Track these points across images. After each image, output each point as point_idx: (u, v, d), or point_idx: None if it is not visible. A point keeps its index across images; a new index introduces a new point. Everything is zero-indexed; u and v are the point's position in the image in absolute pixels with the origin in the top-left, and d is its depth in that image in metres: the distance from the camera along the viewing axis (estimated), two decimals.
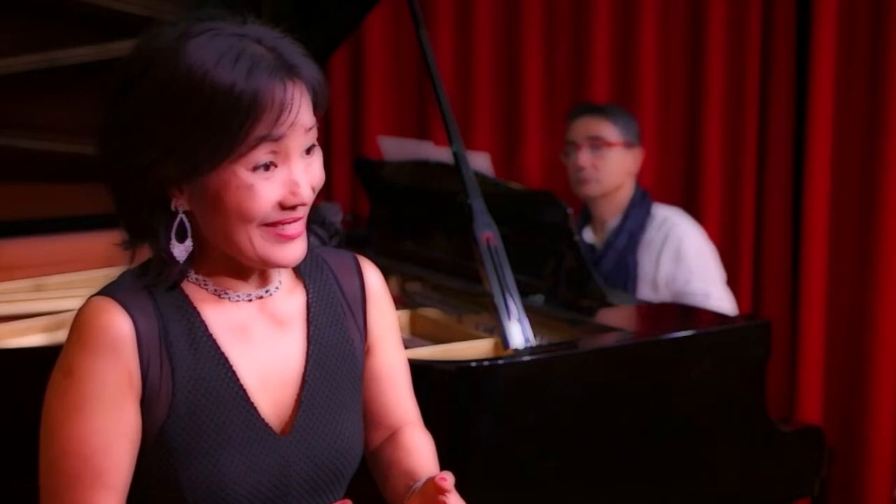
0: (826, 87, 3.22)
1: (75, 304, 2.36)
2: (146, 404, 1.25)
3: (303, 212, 1.26)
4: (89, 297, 1.28)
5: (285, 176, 1.23)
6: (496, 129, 3.58)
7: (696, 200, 3.44)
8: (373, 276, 1.44)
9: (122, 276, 1.31)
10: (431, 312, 2.34)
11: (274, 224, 1.24)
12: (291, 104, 1.21)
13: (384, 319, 1.44)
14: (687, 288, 2.89)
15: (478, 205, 2.10)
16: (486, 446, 1.87)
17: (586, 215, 3.08)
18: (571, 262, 2.31)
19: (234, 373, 1.29)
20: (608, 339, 2.13)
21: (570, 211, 2.29)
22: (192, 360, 1.27)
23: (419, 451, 1.42)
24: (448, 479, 1.22)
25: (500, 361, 1.92)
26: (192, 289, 1.30)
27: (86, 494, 1.24)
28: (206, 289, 1.31)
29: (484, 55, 3.53)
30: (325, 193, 3.51)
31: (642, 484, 2.06)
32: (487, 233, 2.06)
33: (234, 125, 1.18)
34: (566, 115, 3.13)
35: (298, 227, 1.26)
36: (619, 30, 3.49)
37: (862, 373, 3.26)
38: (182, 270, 1.28)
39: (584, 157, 2.97)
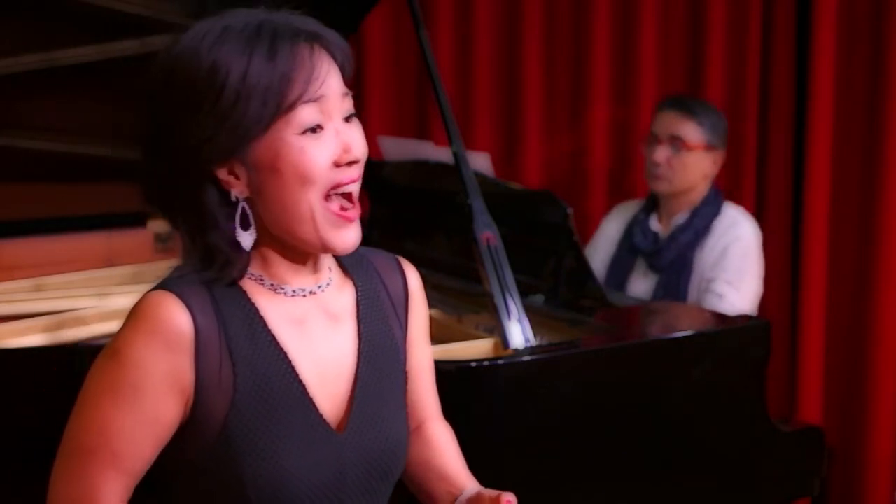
0: (826, 87, 3.23)
1: (75, 304, 2.37)
2: (203, 402, 1.26)
3: (358, 172, 1.29)
4: (147, 291, 1.29)
5: (334, 135, 1.27)
6: (496, 129, 3.58)
7: None
8: (414, 277, 1.49)
9: (177, 271, 1.31)
10: (431, 312, 2.33)
11: (336, 188, 1.26)
12: (321, 63, 1.26)
13: (420, 320, 1.49)
14: (709, 285, 2.88)
15: (478, 205, 2.10)
16: (486, 446, 1.87)
17: (653, 202, 3.04)
18: (571, 262, 2.31)
19: (293, 368, 1.30)
20: (608, 339, 2.13)
21: (570, 211, 2.29)
22: (252, 355, 1.28)
23: (447, 449, 1.49)
24: (513, 502, 1.28)
25: (500, 361, 1.92)
26: (248, 284, 1.31)
27: (95, 471, 1.25)
28: (263, 284, 1.32)
29: (484, 55, 3.53)
30: None
31: (642, 484, 2.06)
32: (487, 233, 2.06)
33: (272, 89, 1.22)
34: (656, 104, 3.09)
35: (355, 211, 1.29)
36: (619, 30, 3.50)
37: (862, 373, 3.26)
38: (246, 262, 1.30)
39: (661, 154, 2.93)
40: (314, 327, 1.34)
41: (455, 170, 2.16)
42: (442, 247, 2.71)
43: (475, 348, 2.07)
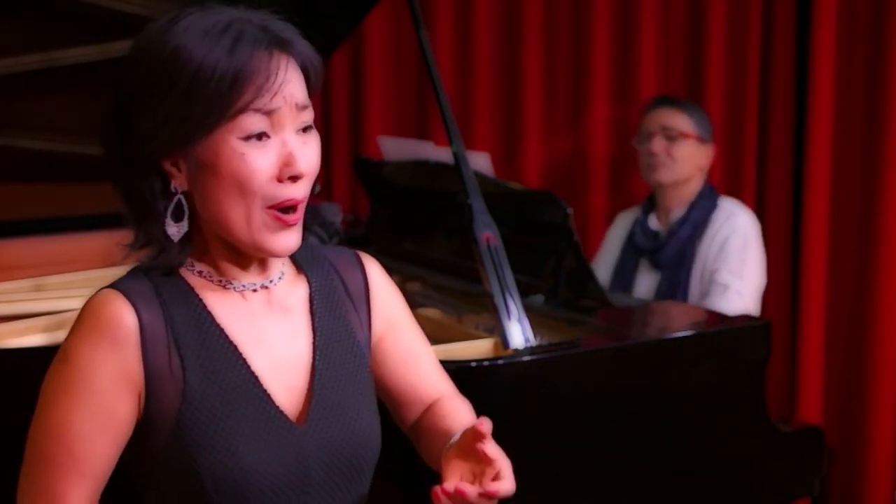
0: (826, 87, 3.23)
1: (75, 304, 2.37)
2: (155, 397, 1.26)
3: (303, 190, 1.27)
4: (97, 290, 1.30)
5: (279, 147, 1.25)
6: (496, 129, 3.58)
7: None
8: (374, 269, 1.47)
9: (129, 272, 1.32)
10: (431, 312, 2.34)
11: (276, 206, 1.25)
12: (277, 73, 1.23)
13: (392, 306, 1.47)
14: (713, 277, 2.94)
15: (478, 205, 2.09)
16: None
17: (651, 203, 3.14)
18: (571, 262, 2.31)
19: (244, 361, 1.30)
20: (608, 339, 2.13)
21: (570, 211, 2.29)
22: (201, 349, 1.28)
23: (455, 413, 1.44)
24: (486, 424, 1.21)
25: (500, 361, 1.92)
26: (196, 281, 1.32)
27: (58, 478, 1.25)
28: (211, 280, 1.32)
29: (484, 55, 3.53)
30: (325, 193, 3.51)
31: (642, 484, 2.06)
32: (487, 233, 2.06)
33: (221, 91, 1.21)
34: (643, 106, 3.19)
35: (296, 216, 1.28)
36: (619, 30, 3.50)
37: (862, 373, 3.26)
38: (181, 253, 1.30)
39: (658, 145, 3.04)
40: (265, 321, 1.34)
41: (455, 170, 2.16)
42: (442, 247, 2.71)
43: (475, 348, 2.07)
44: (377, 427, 1.40)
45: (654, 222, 3.11)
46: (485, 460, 1.22)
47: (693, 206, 3.04)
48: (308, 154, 1.27)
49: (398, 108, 3.62)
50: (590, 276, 2.32)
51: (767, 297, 3.27)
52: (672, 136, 3.03)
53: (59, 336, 2.23)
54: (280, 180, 1.25)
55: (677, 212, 3.06)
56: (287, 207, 1.26)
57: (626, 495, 2.04)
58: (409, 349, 1.47)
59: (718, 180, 3.43)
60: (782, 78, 3.38)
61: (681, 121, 3.05)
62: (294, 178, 1.25)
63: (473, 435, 1.22)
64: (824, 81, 3.22)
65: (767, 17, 3.40)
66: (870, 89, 3.21)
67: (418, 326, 1.51)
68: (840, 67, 3.24)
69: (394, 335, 1.46)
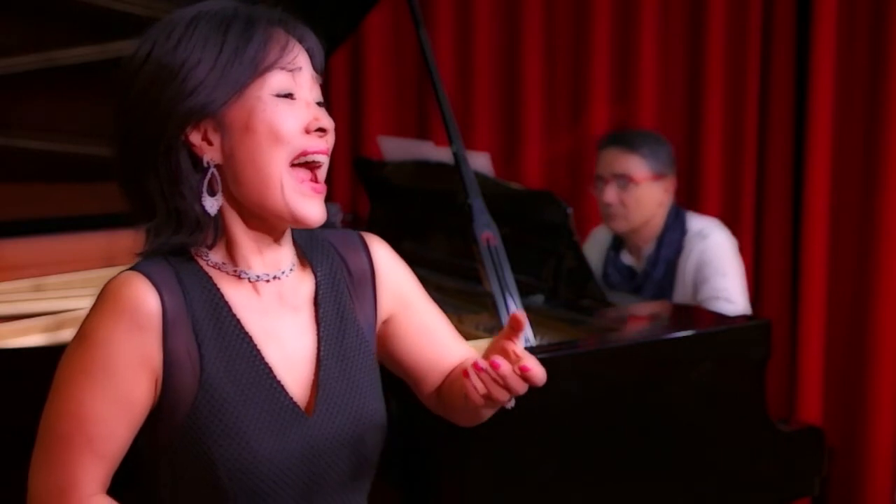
0: (826, 87, 3.23)
1: (75, 304, 2.37)
2: (172, 382, 1.28)
3: (326, 144, 1.33)
4: (119, 272, 1.31)
5: (304, 108, 1.31)
6: (496, 129, 3.58)
7: (696, 201, 3.44)
8: (380, 250, 1.50)
9: (149, 256, 1.33)
10: None
11: (303, 157, 1.30)
12: (294, 42, 1.32)
13: (403, 285, 1.49)
14: (697, 298, 2.87)
15: (478, 205, 2.10)
16: (486, 447, 1.87)
17: (621, 237, 3.01)
18: (571, 262, 2.31)
19: (258, 351, 1.32)
20: (608, 339, 2.13)
21: (569, 211, 2.29)
22: (217, 338, 1.30)
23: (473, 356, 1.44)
24: (523, 317, 1.24)
25: None
26: (212, 271, 1.34)
27: (72, 457, 1.26)
28: (226, 271, 1.34)
29: (484, 55, 3.53)
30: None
31: (642, 484, 2.06)
32: (487, 233, 2.06)
33: (248, 55, 1.27)
34: (596, 143, 3.04)
35: (319, 185, 1.33)
36: (619, 30, 3.50)
37: (862, 373, 3.26)
38: (214, 231, 1.31)
39: (611, 194, 2.89)
40: (276, 313, 1.36)
41: (455, 170, 2.16)
42: (442, 247, 2.71)
43: (475, 348, 2.06)
44: (383, 413, 1.42)
45: (627, 258, 3.00)
46: (513, 359, 1.24)
47: (661, 243, 2.91)
48: (327, 118, 1.33)
49: (398, 108, 3.62)
50: (590, 275, 2.33)
51: (767, 297, 3.28)
52: (624, 183, 2.87)
53: (60, 336, 2.23)
54: (308, 131, 1.30)
55: (647, 248, 2.95)
56: (311, 163, 1.31)
57: (625, 495, 2.04)
58: (424, 323, 1.49)
59: (718, 181, 3.44)
60: (782, 78, 3.38)
61: (632, 164, 2.87)
62: (321, 132, 1.32)
63: (511, 324, 1.24)
64: (824, 81, 3.22)
65: (767, 17, 3.40)
66: (870, 89, 3.21)
67: (431, 299, 1.53)
68: (840, 67, 3.24)
69: (407, 312, 1.48)
